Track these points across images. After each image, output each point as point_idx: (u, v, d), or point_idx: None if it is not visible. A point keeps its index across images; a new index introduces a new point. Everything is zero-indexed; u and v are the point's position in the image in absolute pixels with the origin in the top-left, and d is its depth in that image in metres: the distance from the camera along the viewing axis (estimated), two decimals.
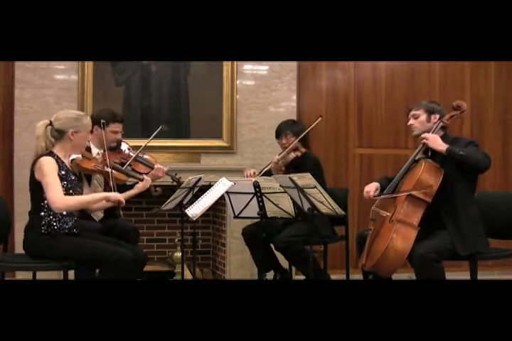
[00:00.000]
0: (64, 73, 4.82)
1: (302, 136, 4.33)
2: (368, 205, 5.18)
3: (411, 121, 3.76)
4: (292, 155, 4.32)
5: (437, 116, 3.69)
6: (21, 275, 4.51)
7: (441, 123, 3.66)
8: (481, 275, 3.58)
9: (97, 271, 3.51)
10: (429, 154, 3.65)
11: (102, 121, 3.86)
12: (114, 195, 3.42)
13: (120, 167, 3.82)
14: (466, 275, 3.60)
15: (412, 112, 3.76)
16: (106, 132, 3.93)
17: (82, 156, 3.59)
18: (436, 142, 3.56)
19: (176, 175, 4.08)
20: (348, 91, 5.42)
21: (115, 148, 4.07)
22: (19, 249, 3.49)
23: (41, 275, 3.85)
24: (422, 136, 3.63)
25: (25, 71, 4.73)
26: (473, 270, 3.57)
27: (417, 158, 3.66)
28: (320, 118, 4.42)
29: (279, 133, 4.44)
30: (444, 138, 3.61)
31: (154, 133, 4.09)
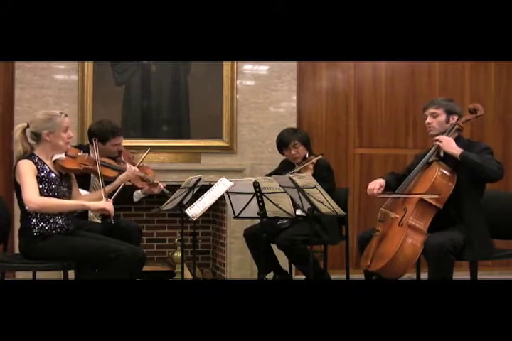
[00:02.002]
0: (64, 73, 4.81)
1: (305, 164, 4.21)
2: (369, 205, 5.23)
3: (429, 120, 3.63)
4: (309, 171, 4.16)
5: (455, 117, 3.60)
6: (21, 276, 4.51)
7: (456, 126, 3.57)
8: (481, 275, 3.58)
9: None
10: (442, 156, 3.58)
11: (94, 138, 3.88)
12: (95, 205, 3.38)
13: (107, 162, 3.78)
14: (466, 275, 3.60)
15: (431, 110, 3.62)
16: (107, 146, 3.97)
17: (66, 155, 3.52)
18: (451, 145, 3.48)
19: (169, 193, 3.99)
20: (348, 91, 5.42)
21: (115, 157, 4.04)
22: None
23: (41, 275, 3.85)
24: (437, 138, 3.55)
25: (25, 71, 4.73)
26: (473, 270, 3.57)
27: (430, 161, 3.58)
28: (321, 156, 4.27)
29: (286, 144, 4.29)
30: (457, 140, 3.54)
31: (145, 154, 3.98)
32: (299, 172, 4.19)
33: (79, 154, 3.62)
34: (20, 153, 3.34)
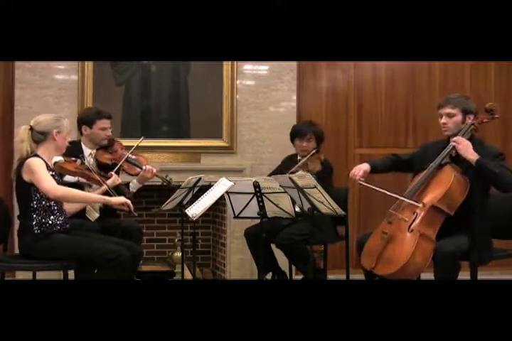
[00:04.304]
0: (64, 73, 4.81)
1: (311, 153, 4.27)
2: (368, 205, 5.22)
3: (445, 120, 3.51)
4: (317, 166, 4.22)
5: (471, 117, 3.50)
6: (21, 276, 4.51)
7: (472, 126, 3.47)
8: (481, 275, 3.58)
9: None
10: (454, 155, 3.49)
11: (82, 125, 4.02)
12: (116, 200, 3.47)
13: (97, 169, 3.82)
14: (466, 276, 3.60)
15: (447, 110, 3.51)
16: (94, 130, 4.03)
17: (64, 160, 3.62)
18: (469, 150, 3.37)
19: (166, 176, 4.07)
20: (348, 91, 5.42)
21: (107, 148, 4.08)
22: None
23: (41, 275, 3.85)
24: (454, 139, 3.43)
25: (25, 71, 4.73)
26: (473, 270, 3.56)
27: (443, 162, 3.48)
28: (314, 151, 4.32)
29: (303, 134, 4.35)
30: (471, 141, 3.45)
31: (138, 142, 4.12)
32: (306, 164, 4.21)
33: (72, 159, 3.71)
34: (28, 153, 3.36)
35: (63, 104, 4.77)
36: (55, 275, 4.00)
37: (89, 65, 4.80)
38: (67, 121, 3.51)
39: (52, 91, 4.78)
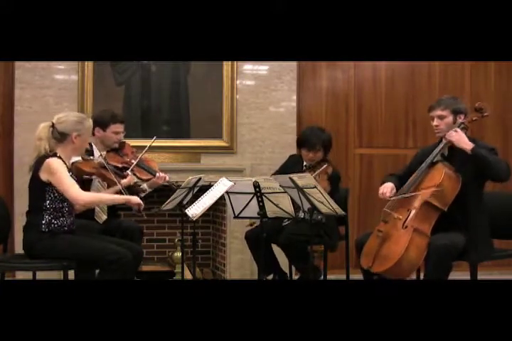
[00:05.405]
0: (64, 73, 4.81)
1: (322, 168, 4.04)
2: (368, 206, 5.23)
3: (436, 122, 3.57)
4: (327, 186, 4.01)
5: (462, 117, 3.56)
6: (21, 276, 4.52)
7: (462, 125, 3.53)
8: (481, 275, 3.58)
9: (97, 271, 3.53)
10: (446, 156, 3.55)
11: (95, 127, 3.90)
12: (136, 200, 3.45)
13: (113, 169, 3.80)
14: (466, 276, 3.60)
15: (438, 112, 3.57)
16: (107, 133, 4.02)
17: (82, 159, 3.60)
18: (463, 140, 3.43)
19: (176, 183, 4.07)
20: (348, 91, 5.42)
21: (117, 151, 4.07)
22: (19, 248, 3.49)
23: (41, 275, 3.85)
24: (447, 134, 3.49)
25: (25, 71, 4.73)
26: (473, 270, 3.56)
27: (434, 161, 3.54)
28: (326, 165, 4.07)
29: (312, 146, 4.17)
30: None
31: (148, 145, 4.03)
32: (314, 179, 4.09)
33: (90, 158, 3.69)
34: (47, 151, 3.33)
35: (63, 104, 4.76)
36: (55, 275, 4.00)
37: (89, 65, 4.80)
38: (90, 122, 3.48)
39: (52, 91, 4.78)
